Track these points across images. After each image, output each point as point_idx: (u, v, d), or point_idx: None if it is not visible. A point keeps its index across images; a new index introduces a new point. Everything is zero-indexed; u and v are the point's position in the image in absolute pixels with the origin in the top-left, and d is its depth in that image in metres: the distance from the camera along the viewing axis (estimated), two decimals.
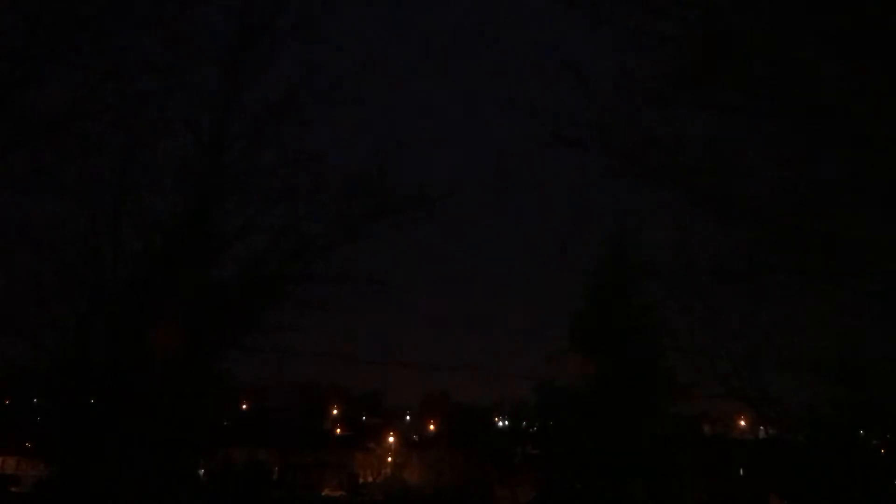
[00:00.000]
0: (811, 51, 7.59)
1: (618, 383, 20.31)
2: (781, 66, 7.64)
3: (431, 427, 73.07)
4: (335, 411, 75.57)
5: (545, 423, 26.77)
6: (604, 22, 7.72)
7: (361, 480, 59.33)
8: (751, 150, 8.45)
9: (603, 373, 20.29)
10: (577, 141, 8.70)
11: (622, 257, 22.26)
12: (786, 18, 7.53)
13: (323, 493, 50.22)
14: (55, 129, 10.70)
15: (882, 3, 7.12)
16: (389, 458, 62.84)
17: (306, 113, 16.35)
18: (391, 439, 65.91)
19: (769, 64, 7.65)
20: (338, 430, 72.41)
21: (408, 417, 79.83)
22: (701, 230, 9.91)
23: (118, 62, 10.83)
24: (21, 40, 9.79)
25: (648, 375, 21.01)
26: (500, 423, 64.61)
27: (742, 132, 8.46)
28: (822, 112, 7.56)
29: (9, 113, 10.08)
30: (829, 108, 7.58)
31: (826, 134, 7.80)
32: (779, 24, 7.58)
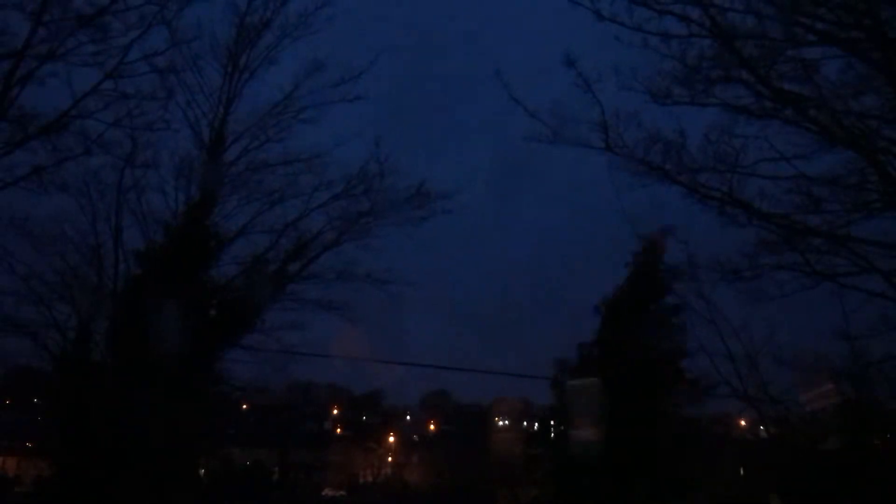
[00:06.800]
0: (812, 49, 7.59)
1: (624, 384, 20.21)
2: (783, 64, 7.64)
3: (431, 427, 72.96)
4: (335, 411, 75.42)
5: (545, 422, 26.66)
6: (607, 19, 7.73)
7: (361, 480, 59.26)
8: (753, 148, 8.46)
9: (608, 374, 20.22)
10: (580, 140, 8.73)
11: (640, 260, 22.02)
12: (785, 17, 7.53)
13: (323, 493, 50.14)
14: (55, 129, 10.70)
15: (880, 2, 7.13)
16: (389, 458, 62.75)
17: (307, 111, 16.40)
18: (391, 439, 65.78)
19: (771, 62, 7.65)
20: (338, 430, 72.26)
21: (408, 417, 79.69)
22: (703, 229, 9.93)
23: (118, 62, 10.85)
24: (21, 40, 9.79)
25: (656, 376, 20.92)
26: (500, 423, 64.51)
27: (745, 130, 8.46)
28: (824, 110, 7.57)
29: (9, 113, 10.08)
30: (829, 106, 7.58)
31: (828, 132, 7.80)
32: (779, 22, 7.58)
